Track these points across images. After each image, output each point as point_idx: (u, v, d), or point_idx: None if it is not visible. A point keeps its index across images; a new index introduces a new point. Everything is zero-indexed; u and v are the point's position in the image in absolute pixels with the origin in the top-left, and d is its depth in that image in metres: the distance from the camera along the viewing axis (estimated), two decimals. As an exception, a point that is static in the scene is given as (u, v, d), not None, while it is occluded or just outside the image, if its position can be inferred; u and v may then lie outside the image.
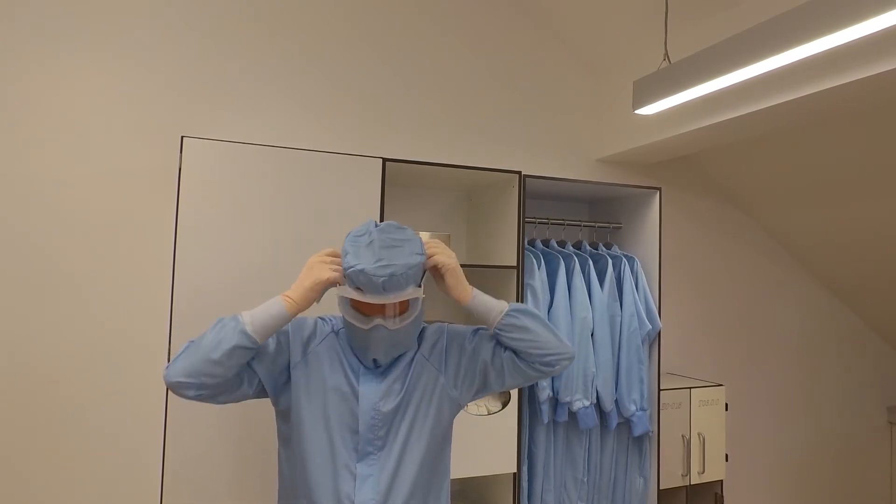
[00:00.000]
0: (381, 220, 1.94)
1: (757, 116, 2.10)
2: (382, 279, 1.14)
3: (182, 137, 1.74)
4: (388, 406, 1.25)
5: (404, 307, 1.24)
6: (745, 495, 3.12)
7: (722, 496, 2.64)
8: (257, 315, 1.17)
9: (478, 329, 1.37)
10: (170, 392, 1.67)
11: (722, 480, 2.60)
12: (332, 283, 1.21)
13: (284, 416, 1.30)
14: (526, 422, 2.18)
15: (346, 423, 1.25)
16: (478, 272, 2.45)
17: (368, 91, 2.45)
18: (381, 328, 1.20)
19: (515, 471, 2.10)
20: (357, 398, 1.25)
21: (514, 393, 2.10)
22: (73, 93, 2.04)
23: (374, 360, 1.27)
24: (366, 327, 1.20)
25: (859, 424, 3.49)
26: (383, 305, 1.20)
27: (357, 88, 2.43)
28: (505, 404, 2.09)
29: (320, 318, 1.36)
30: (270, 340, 1.25)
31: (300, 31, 2.36)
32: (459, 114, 2.61)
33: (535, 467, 2.20)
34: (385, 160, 1.97)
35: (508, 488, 2.12)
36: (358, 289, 1.17)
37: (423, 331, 1.40)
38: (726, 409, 2.61)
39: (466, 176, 2.26)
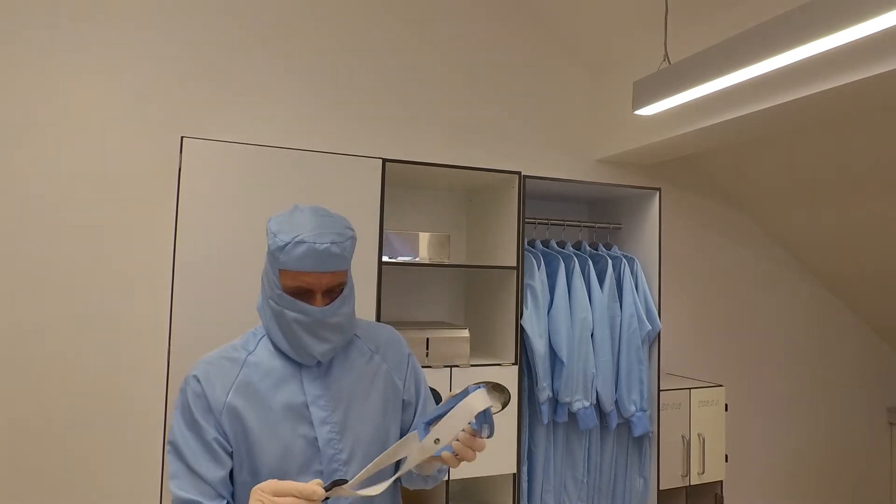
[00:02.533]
0: (381, 221, 1.95)
1: (757, 117, 2.10)
2: (325, 246, 1.04)
3: (182, 137, 1.74)
4: (339, 413, 1.11)
5: (342, 283, 1.12)
6: (745, 496, 3.12)
7: (722, 497, 2.64)
8: None
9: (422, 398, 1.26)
10: (170, 393, 1.67)
11: (722, 481, 2.60)
12: None
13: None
14: (526, 422, 2.18)
15: (305, 446, 1.07)
16: (478, 273, 2.45)
17: (368, 92, 2.45)
18: (319, 311, 1.07)
19: (515, 471, 2.10)
20: (308, 407, 1.09)
21: (514, 394, 2.10)
22: (73, 93, 2.04)
23: (314, 358, 1.10)
24: (308, 317, 1.07)
25: (859, 424, 3.49)
26: (321, 283, 1.07)
27: (357, 89, 2.43)
28: (505, 405, 2.08)
29: (217, 353, 1.13)
30: (204, 433, 1.04)
31: (300, 32, 2.35)
32: (459, 114, 2.61)
33: (535, 468, 2.20)
34: (385, 160, 1.97)
35: (508, 489, 2.12)
36: (286, 270, 1.06)
37: (373, 328, 1.27)
38: (726, 410, 2.61)
39: (466, 176, 2.25)
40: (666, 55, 1.96)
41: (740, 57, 1.53)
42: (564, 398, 2.17)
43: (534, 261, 2.22)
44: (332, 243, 1.05)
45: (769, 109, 2.01)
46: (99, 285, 2.04)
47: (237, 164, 1.79)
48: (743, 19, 2.02)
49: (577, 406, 2.18)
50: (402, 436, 1.18)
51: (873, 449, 3.52)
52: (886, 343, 3.59)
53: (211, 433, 1.04)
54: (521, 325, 2.15)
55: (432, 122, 2.56)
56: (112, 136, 2.08)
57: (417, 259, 2.11)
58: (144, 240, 2.10)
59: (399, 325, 2.04)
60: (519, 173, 2.19)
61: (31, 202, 1.98)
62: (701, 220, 3.12)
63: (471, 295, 2.53)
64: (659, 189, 2.42)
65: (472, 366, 2.06)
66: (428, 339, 2.03)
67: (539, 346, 2.15)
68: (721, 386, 2.62)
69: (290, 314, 1.07)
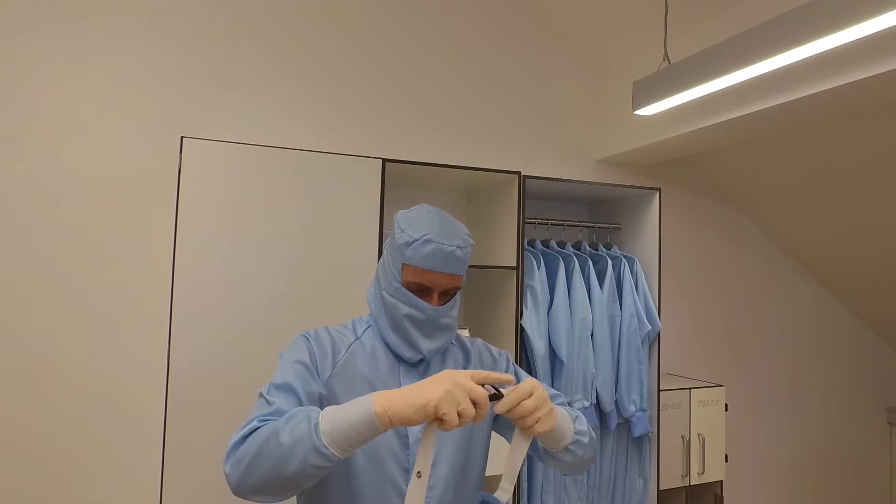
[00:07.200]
0: (381, 221, 1.94)
1: (756, 117, 2.10)
2: (451, 248, 1.08)
3: (182, 137, 1.74)
4: None
5: (458, 287, 1.15)
6: (745, 496, 3.12)
7: (722, 497, 2.63)
8: (338, 422, 0.88)
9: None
10: (169, 394, 1.67)
11: (722, 481, 2.60)
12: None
13: None
14: (526, 422, 2.17)
15: (397, 441, 1.09)
16: (478, 273, 2.45)
17: (368, 91, 2.45)
18: (434, 310, 1.10)
19: (515, 471, 2.10)
20: None
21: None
22: (73, 93, 2.04)
23: (420, 353, 1.12)
24: (422, 314, 1.09)
25: (859, 424, 3.49)
26: (441, 283, 1.10)
27: (357, 89, 2.43)
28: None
29: (327, 328, 1.18)
30: (310, 379, 1.05)
31: (300, 32, 2.35)
32: (459, 114, 2.61)
33: (535, 468, 2.20)
34: (385, 160, 1.97)
35: (508, 489, 2.12)
36: (410, 266, 1.09)
37: (467, 339, 1.29)
38: (726, 410, 2.61)
39: (466, 176, 2.25)
40: (666, 55, 1.96)
41: (740, 57, 1.53)
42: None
43: (533, 261, 2.22)
44: (457, 247, 1.10)
45: (769, 109, 2.01)
46: (98, 285, 2.04)
47: (237, 164, 1.79)
48: (743, 19, 2.02)
49: (576, 406, 2.18)
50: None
51: (873, 449, 3.52)
52: (886, 343, 3.59)
53: (316, 388, 1.05)
54: (520, 325, 2.15)
55: (432, 122, 2.56)
56: (112, 135, 2.08)
57: (417, 259, 2.11)
58: (144, 240, 2.10)
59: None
60: (519, 173, 2.19)
61: (30, 202, 1.98)
62: (701, 220, 3.12)
63: (470, 295, 2.53)
64: (659, 189, 2.42)
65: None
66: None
67: (539, 346, 2.15)
68: (721, 386, 2.62)
69: (405, 309, 1.10)
